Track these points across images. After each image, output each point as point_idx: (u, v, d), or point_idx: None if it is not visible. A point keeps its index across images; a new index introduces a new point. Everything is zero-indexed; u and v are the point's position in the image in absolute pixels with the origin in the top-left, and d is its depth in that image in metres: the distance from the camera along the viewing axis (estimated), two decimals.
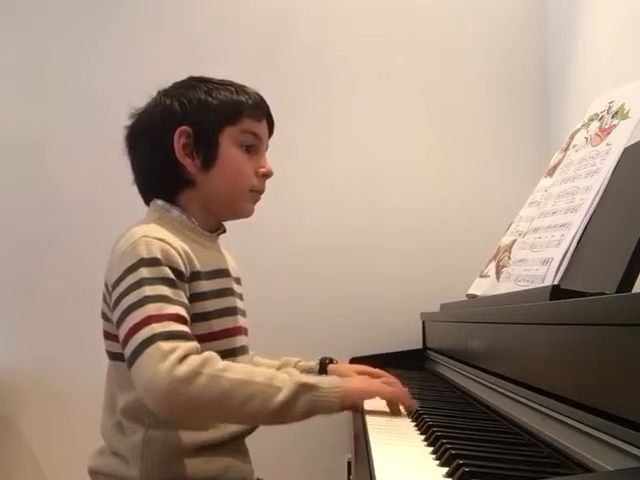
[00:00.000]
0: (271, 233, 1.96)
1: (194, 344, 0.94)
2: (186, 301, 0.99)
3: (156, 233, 1.01)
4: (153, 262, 0.97)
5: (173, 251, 1.00)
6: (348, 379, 1.05)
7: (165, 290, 0.96)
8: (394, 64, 2.06)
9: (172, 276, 0.98)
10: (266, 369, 0.99)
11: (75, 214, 2.01)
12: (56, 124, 2.06)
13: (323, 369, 1.30)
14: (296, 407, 0.92)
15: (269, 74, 2.01)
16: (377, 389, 1.02)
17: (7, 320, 2.02)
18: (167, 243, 1.00)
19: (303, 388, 0.92)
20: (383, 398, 1.04)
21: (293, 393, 0.92)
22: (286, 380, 0.93)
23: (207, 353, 0.93)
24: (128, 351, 0.93)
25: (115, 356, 1.05)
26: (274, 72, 2.02)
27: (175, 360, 0.89)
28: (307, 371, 1.30)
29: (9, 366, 1.99)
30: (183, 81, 1.15)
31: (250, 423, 1.07)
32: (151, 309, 0.93)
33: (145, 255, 0.98)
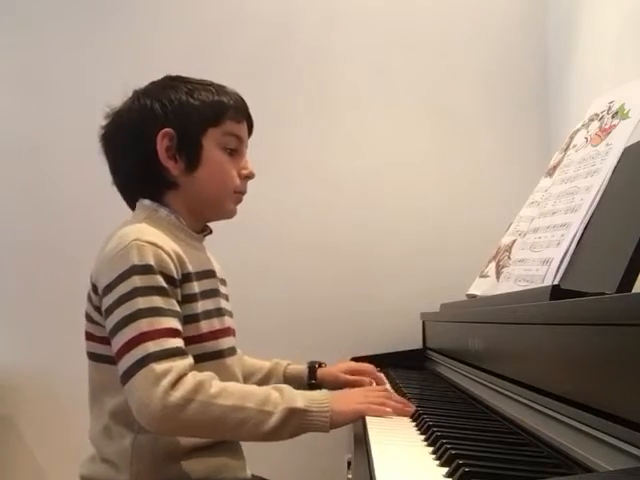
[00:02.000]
0: (271, 235, 1.95)
1: (187, 361, 0.94)
2: (178, 309, 0.99)
3: (148, 236, 1.00)
4: (146, 270, 0.97)
5: (165, 255, 0.99)
6: (339, 397, 1.03)
7: (158, 301, 0.96)
8: (394, 65, 2.06)
9: (164, 284, 0.97)
10: (259, 389, 0.98)
11: (75, 214, 2.01)
12: (53, 125, 2.06)
13: (312, 373, 1.31)
14: (286, 430, 0.95)
15: (268, 76, 2.01)
16: (367, 409, 1.00)
17: (7, 321, 2.02)
18: (159, 247, 0.99)
19: (293, 413, 0.95)
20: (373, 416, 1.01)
21: (283, 419, 0.94)
22: (278, 403, 0.95)
23: (201, 376, 0.93)
24: (121, 369, 0.94)
25: (97, 357, 1.04)
26: (273, 74, 2.02)
27: (167, 385, 0.90)
28: (297, 375, 1.31)
29: (9, 366, 1.99)
30: (161, 81, 1.13)
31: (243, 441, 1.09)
32: (144, 324, 0.94)
33: (137, 262, 0.97)
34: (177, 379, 0.91)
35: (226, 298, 1.16)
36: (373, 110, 2.05)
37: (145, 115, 1.09)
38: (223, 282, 1.17)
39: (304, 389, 1.27)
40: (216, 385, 0.94)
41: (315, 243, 1.99)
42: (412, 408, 1.03)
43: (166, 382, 0.90)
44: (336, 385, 1.30)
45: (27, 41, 2.09)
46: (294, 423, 0.95)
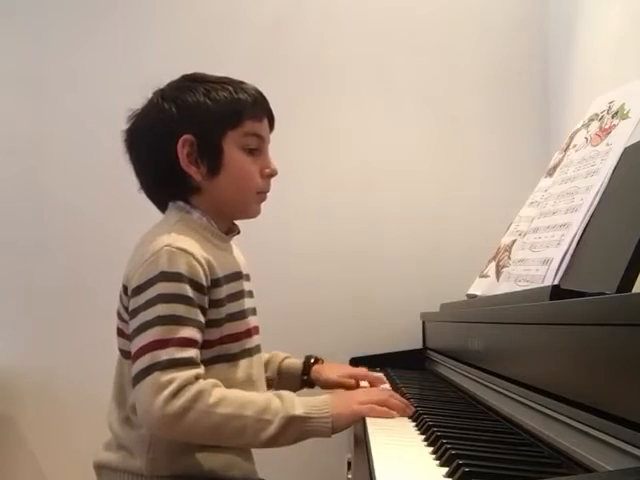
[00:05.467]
0: (271, 237, 1.94)
1: (194, 371, 0.95)
2: (200, 318, 1.00)
3: (180, 242, 1.01)
4: (173, 277, 0.98)
5: (195, 262, 1.00)
6: (339, 400, 1.02)
7: (179, 309, 0.97)
8: (394, 65, 2.06)
9: (190, 293, 0.99)
10: (260, 397, 0.99)
11: (74, 214, 2.01)
12: (54, 126, 2.05)
13: (307, 368, 1.33)
14: (286, 437, 0.96)
15: (267, 77, 1.99)
16: (369, 411, 1.00)
17: (8, 321, 2.01)
18: (190, 254, 1.00)
19: (293, 421, 0.96)
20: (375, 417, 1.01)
21: (283, 426, 0.95)
22: (278, 411, 0.96)
23: (203, 385, 0.95)
24: (133, 372, 0.96)
25: (127, 355, 1.05)
26: (272, 75, 2.01)
27: (168, 395, 0.92)
28: (292, 369, 1.33)
29: (10, 367, 1.99)
30: (179, 81, 1.13)
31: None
32: (159, 332, 0.96)
33: (166, 268, 0.98)
34: (179, 389, 0.93)
35: (250, 295, 1.16)
36: (373, 113, 2.04)
37: (164, 121, 1.08)
38: (247, 278, 1.17)
39: (297, 383, 1.32)
40: (216, 394, 0.95)
41: (315, 245, 1.99)
42: (412, 409, 1.04)
43: (167, 392, 0.92)
44: (327, 386, 1.31)
45: (26, 42, 2.08)
46: (294, 430, 0.96)
